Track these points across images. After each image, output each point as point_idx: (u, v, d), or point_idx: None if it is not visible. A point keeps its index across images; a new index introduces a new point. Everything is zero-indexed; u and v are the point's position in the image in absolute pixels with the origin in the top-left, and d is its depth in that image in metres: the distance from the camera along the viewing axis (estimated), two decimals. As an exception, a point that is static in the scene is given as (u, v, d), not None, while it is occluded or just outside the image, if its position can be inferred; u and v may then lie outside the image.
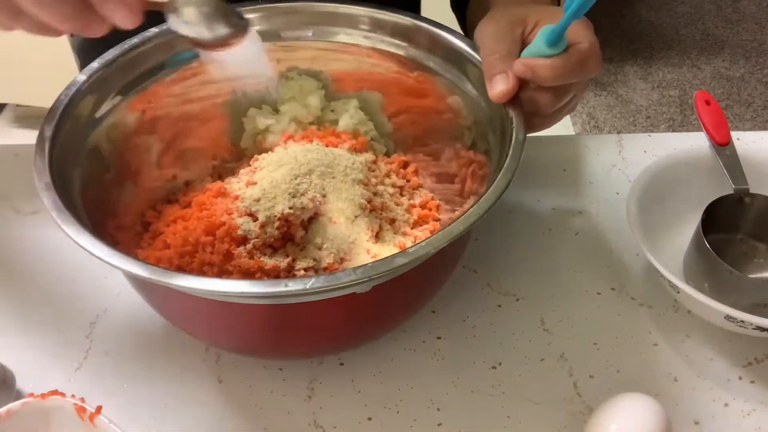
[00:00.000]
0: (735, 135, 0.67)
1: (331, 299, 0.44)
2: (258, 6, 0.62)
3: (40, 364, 0.57)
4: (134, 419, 0.53)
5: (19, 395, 0.54)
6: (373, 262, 0.42)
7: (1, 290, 0.62)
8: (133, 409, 0.54)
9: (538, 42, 0.49)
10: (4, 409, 0.47)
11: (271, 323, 0.49)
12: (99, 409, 0.47)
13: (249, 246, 0.51)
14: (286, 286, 0.41)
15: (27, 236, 0.67)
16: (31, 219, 0.68)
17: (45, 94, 0.85)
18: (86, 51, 0.83)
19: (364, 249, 0.54)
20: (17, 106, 2.04)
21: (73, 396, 0.48)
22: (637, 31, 2.33)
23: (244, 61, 0.48)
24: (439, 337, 0.58)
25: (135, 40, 0.58)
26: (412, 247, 0.43)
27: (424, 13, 0.64)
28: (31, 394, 0.48)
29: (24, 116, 2.03)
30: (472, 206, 0.45)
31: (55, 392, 0.48)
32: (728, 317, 0.53)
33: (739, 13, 2.40)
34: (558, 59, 0.49)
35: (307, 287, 0.41)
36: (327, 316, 0.49)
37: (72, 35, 0.84)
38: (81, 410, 0.47)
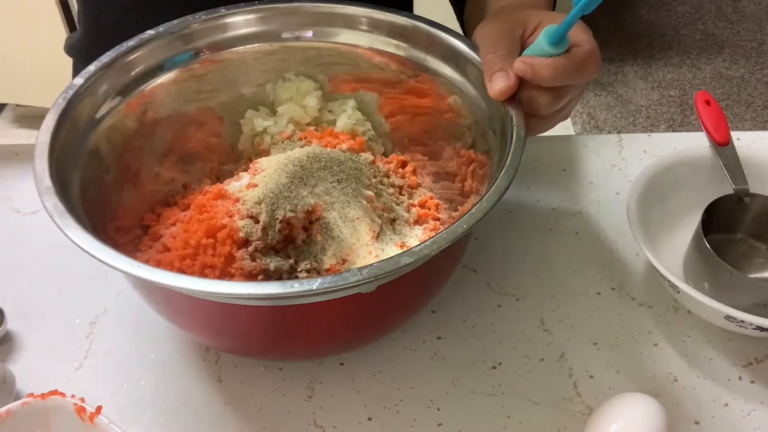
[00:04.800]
0: (735, 135, 0.67)
1: (335, 300, 0.44)
2: (258, 6, 0.62)
3: (40, 364, 0.57)
4: (134, 419, 0.53)
5: (19, 395, 0.54)
6: (379, 261, 0.42)
7: (0, 290, 0.62)
8: (133, 409, 0.54)
9: (541, 41, 0.49)
10: (4, 409, 0.47)
11: (275, 325, 0.49)
12: (99, 409, 0.47)
13: (251, 248, 0.51)
14: (293, 287, 0.41)
15: (27, 236, 0.67)
16: (31, 219, 0.68)
17: (45, 94, 0.85)
18: (80, 52, 0.83)
19: (365, 249, 0.54)
20: (17, 106, 2.04)
21: (73, 396, 0.48)
22: (637, 31, 2.33)
23: None
24: (439, 337, 0.58)
25: (132, 42, 0.58)
26: (417, 246, 0.43)
27: (418, 12, 0.64)
28: (31, 394, 0.48)
29: (24, 116, 2.03)
30: (475, 204, 0.45)
31: (55, 392, 0.48)
32: (728, 317, 0.53)
33: (739, 13, 2.40)
34: (559, 59, 0.49)
35: (314, 288, 0.40)
36: (330, 317, 0.49)
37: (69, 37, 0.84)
38: (81, 410, 0.47)
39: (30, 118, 2.01)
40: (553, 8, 0.65)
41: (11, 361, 0.57)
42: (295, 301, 0.44)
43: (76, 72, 0.85)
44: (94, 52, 0.56)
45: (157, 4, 0.63)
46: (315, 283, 0.41)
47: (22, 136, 1.95)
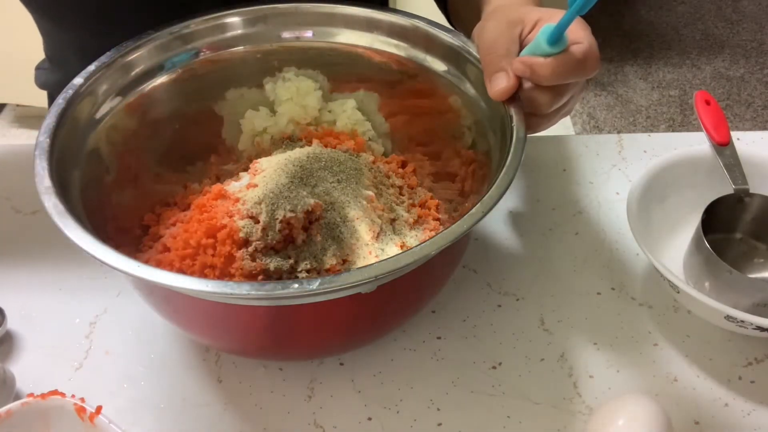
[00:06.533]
0: (735, 135, 0.67)
1: (335, 300, 0.44)
2: (258, 7, 0.62)
3: (40, 364, 0.57)
4: (134, 419, 0.53)
5: (19, 395, 0.54)
6: (379, 261, 0.42)
7: (0, 290, 0.62)
8: (133, 409, 0.54)
9: (539, 40, 0.49)
10: (4, 409, 0.47)
11: (274, 325, 0.49)
12: (99, 409, 0.47)
13: (251, 248, 0.51)
14: (293, 287, 0.41)
15: (27, 236, 0.67)
16: (31, 219, 0.68)
17: (45, 95, 0.85)
18: (53, 86, 0.81)
19: (365, 249, 0.54)
20: (17, 106, 2.04)
21: (73, 396, 0.48)
22: (637, 31, 2.33)
23: None
24: (439, 337, 0.58)
25: (131, 42, 0.58)
26: (417, 246, 0.43)
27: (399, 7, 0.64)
28: (31, 394, 0.48)
29: (24, 116, 2.03)
30: (475, 204, 0.45)
31: (55, 392, 0.48)
32: (728, 317, 0.53)
33: (739, 13, 2.40)
34: (557, 58, 0.49)
35: (314, 288, 0.40)
36: (330, 317, 0.49)
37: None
38: (81, 410, 0.47)
39: (30, 118, 2.01)
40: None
41: (11, 361, 0.57)
42: (294, 301, 0.44)
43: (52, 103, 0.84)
44: (65, 82, 0.55)
45: (116, 21, 0.62)
46: (315, 283, 0.41)
47: (22, 136, 1.96)
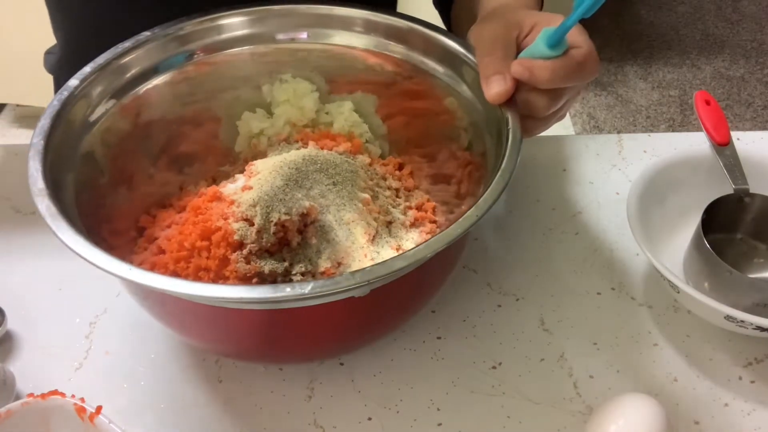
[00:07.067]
0: (735, 135, 0.67)
1: (329, 303, 0.44)
2: (253, 8, 0.61)
3: (40, 364, 0.57)
4: (134, 419, 0.53)
5: (19, 395, 0.54)
6: (372, 266, 0.42)
7: (0, 290, 0.62)
8: (133, 409, 0.54)
9: (538, 43, 0.49)
10: (4, 409, 0.47)
11: (269, 328, 0.49)
12: (99, 409, 0.47)
13: (245, 251, 0.51)
14: (285, 291, 0.40)
15: (27, 236, 0.67)
16: (30, 219, 0.68)
17: (45, 94, 0.85)
18: (60, 69, 0.81)
19: (360, 252, 0.53)
20: (17, 106, 2.04)
21: (73, 396, 0.48)
22: (637, 31, 2.33)
23: None
24: (439, 337, 0.58)
25: (127, 43, 0.57)
26: (410, 250, 0.42)
27: (401, 10, 0.64)
28: (31, 394, 0.48)
29: (24, 116, 2.03)
30: (470, 208, 0.44)
31: (55, 392, 0.48)
32: (728, 317, 0.53)
33: (739, 13, 2.40)
34: (557, 61, 0.48)
35: (306, 292, 0.40)
36: (323, 320, 0.49)
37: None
38: (81, 410, 0.47)
39: (30, 118, 2.01)
40: (540, 9, 0.65)
41: (11, 361, 0.57)
42: (287, 305, 0.44)
43: (57, 88, 0.84)
44: (75, 66, 0.55)
45: (135, 13, 0.63)
46: (307, 287, 0.40)
47: (22, 136, 1.95)
